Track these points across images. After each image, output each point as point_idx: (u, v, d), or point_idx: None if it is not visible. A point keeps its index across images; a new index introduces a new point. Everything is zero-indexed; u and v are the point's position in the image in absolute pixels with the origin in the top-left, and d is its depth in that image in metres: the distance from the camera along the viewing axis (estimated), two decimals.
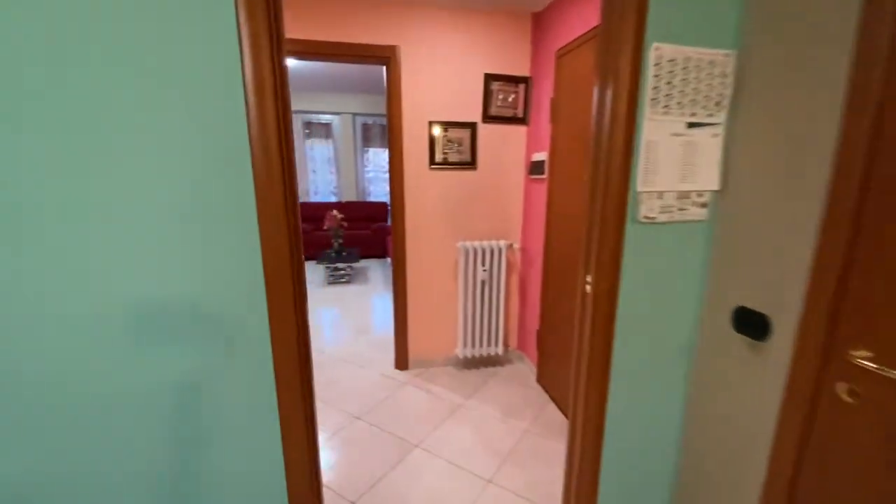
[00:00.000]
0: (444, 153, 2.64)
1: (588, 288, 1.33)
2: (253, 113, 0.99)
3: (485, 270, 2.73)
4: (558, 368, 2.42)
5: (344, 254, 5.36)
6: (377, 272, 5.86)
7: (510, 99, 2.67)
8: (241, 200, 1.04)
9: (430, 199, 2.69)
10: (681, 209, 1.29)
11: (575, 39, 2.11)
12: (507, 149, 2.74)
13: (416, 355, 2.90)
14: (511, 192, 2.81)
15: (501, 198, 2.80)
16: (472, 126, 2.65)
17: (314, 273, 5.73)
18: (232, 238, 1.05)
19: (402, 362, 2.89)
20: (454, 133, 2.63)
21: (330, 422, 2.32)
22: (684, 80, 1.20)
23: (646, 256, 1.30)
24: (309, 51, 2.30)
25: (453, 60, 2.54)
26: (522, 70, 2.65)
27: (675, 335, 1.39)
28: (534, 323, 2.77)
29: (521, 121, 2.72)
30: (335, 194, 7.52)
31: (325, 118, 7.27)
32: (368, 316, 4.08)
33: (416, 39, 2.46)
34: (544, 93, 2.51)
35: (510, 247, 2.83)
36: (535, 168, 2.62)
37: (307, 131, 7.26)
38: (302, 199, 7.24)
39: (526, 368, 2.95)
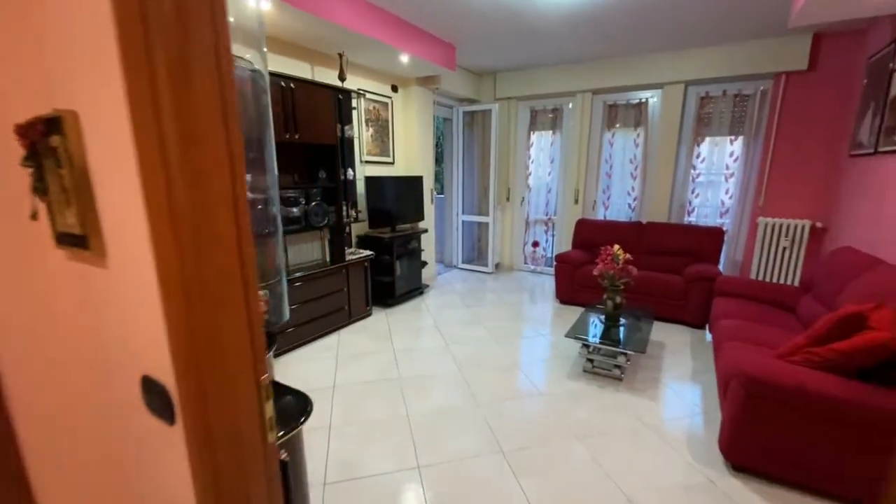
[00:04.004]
0: None
1: None
2: None
3: None
4: None
5: (619, 326, 2.98)
6: (682, 357, 3.07)
7: None
8: None
9: None
10: None
11: None
12: None
13: None
14: None
15: None
16: None
17: (565, 345, 3.02)
18: None
19: None
20: None
21: None
22: None
23: None
24: None
25: None
26: None
27: None
28: None
29: None
30: (632, 209, 4.98)
31: (639, 95, 4.78)
32: None
33: None
34: None
35: None
36: None
37: (619, 123, 4.93)
38: (586, 214, 5.15)
39: None
